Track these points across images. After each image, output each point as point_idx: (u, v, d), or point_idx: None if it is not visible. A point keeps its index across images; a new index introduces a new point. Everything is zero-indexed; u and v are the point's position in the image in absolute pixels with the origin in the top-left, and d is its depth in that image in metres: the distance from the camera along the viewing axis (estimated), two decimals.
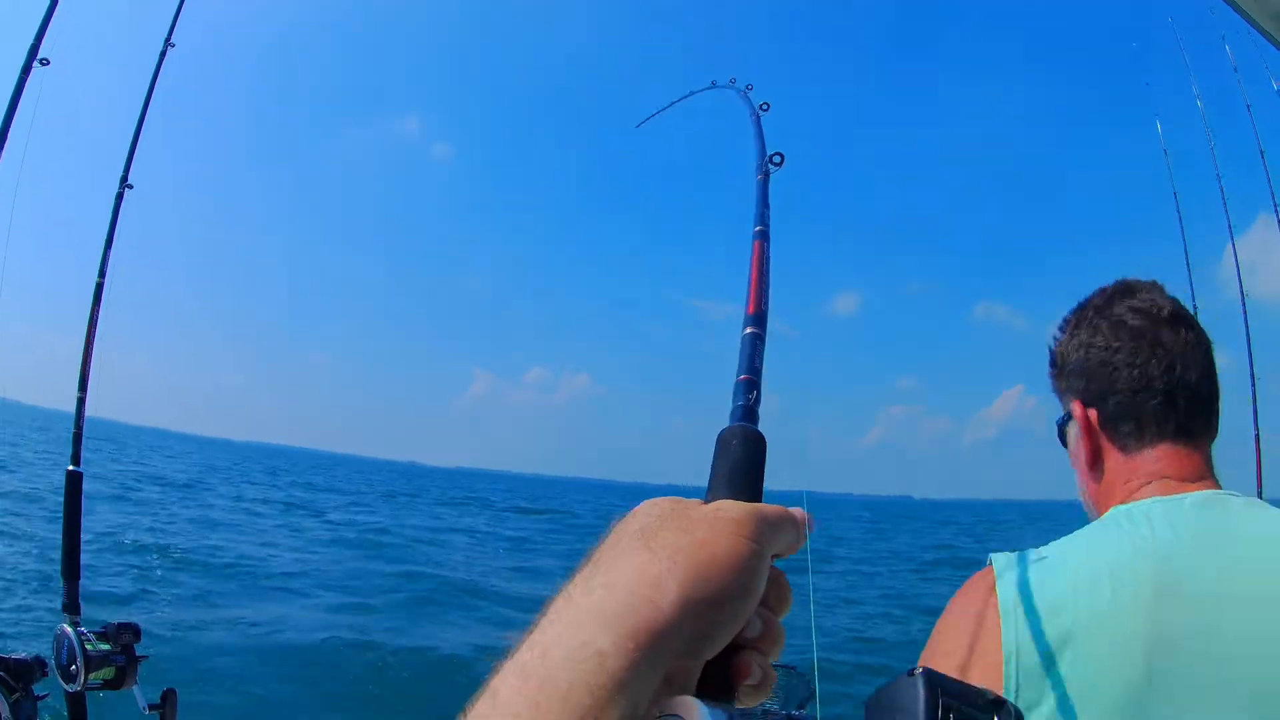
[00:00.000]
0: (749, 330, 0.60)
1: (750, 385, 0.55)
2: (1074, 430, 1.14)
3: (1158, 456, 1.05)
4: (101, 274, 2.18)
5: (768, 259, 0.71)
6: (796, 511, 0.47)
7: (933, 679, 0.46)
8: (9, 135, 1.97)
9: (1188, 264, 3.84)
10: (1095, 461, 1.11)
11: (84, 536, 1.96)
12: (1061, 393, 1.17)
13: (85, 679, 1.70)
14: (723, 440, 0.51)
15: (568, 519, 33.37)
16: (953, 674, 0.48)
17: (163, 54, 2.40)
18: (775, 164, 0.93)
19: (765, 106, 1.23)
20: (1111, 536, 0.98)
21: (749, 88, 1.41)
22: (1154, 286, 1.14)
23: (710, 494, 0.48)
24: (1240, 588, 0.90)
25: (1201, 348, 1.08)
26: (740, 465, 0.49)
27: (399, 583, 12.46)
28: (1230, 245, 3.62)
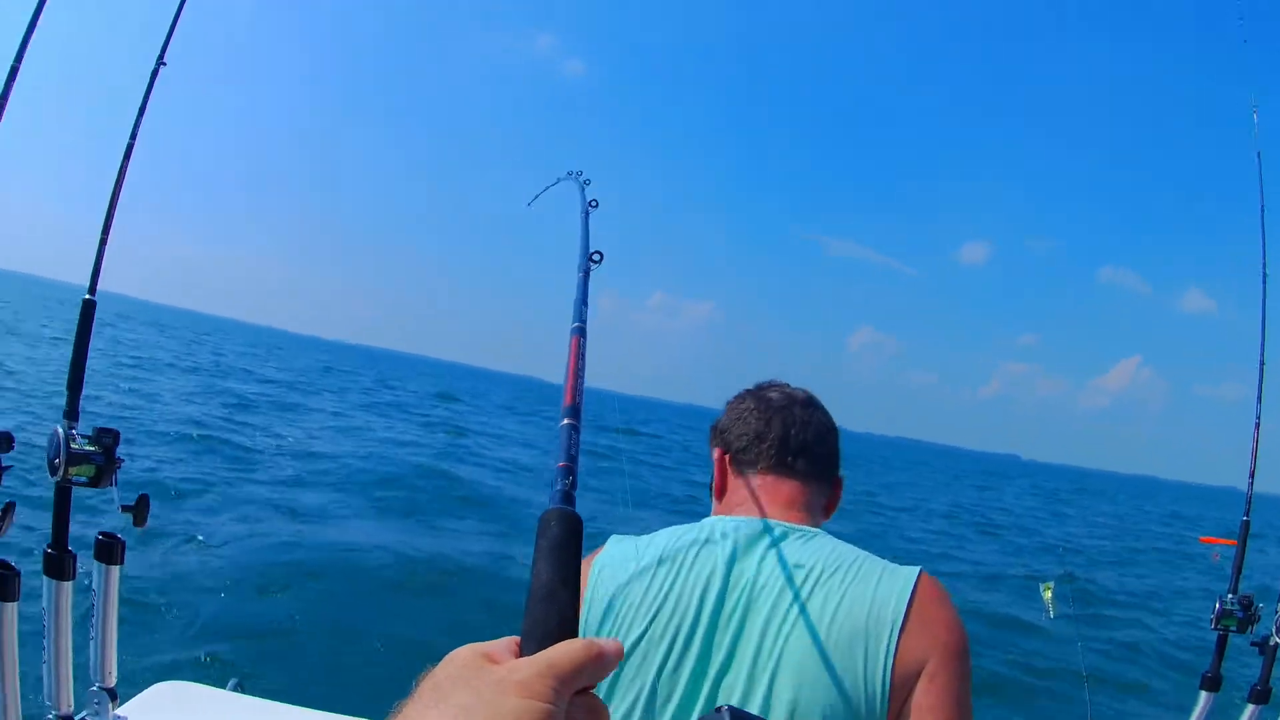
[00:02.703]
0: (565, 422, 0.63)
1: (567, 471, 0.58)
2: (715, 472, 1.42)
3: (759, 483, 1.33)
4: (133, 136, 2.30)
5: (584, 355, 0.73)
6: (605, 644, 0.49)
7: (737, 715, 0.58)
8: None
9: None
10: (721, 492, 1.37)
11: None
12: (713, 447, 1.43)
13: (65, 473, 1.75)
14: (543, 521, 0.55)
15: None
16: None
17: None
18: (595, 261, 0.98)
19: (594, 203, 1.27)
20: (685, 534, 1.25)
21: (587, 182, 1.43)
22: (801, 390, 1.43)
23: (534, 567, 0.52)
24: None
25: (822, 420, 1.39)
26: (557, 544, 0.53)
27: None
28: None
